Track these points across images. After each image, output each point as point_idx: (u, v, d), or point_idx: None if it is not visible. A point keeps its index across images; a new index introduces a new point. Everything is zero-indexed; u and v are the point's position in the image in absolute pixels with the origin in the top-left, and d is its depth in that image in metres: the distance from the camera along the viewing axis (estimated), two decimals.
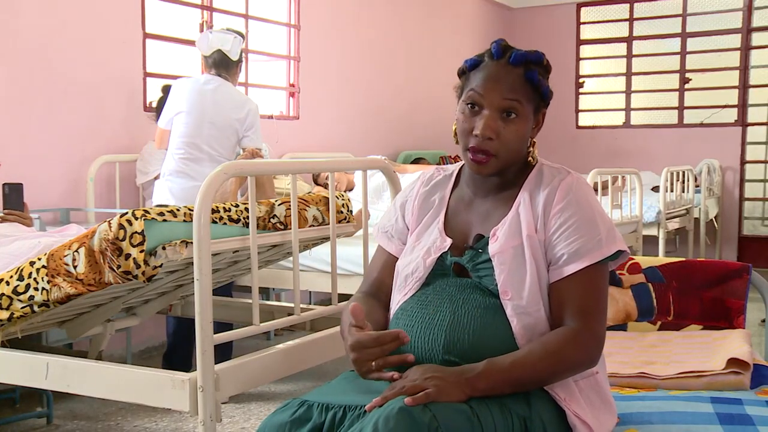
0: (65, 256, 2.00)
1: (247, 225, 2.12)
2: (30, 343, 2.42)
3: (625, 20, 8.06)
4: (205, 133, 3.56)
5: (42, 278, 2.03)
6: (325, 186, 4.80)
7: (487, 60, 1.54)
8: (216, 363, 1.90)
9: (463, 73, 1.59)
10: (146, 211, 1.93)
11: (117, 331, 2.65)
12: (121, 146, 4.23)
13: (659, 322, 2.26)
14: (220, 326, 2.85)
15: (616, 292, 2.28)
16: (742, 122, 7.53)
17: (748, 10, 7.48)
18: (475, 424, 1.30)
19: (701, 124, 7.69)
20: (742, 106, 7.53)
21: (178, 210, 1.99)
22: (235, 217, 2.13)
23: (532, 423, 1.38)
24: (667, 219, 5.63)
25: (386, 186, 3.04)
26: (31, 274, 2.06)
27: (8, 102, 3.73)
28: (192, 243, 1.89)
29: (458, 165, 1.68)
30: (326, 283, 2.68)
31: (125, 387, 2.00)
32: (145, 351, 4.34)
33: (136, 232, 1.90)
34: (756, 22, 7.51)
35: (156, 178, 3.85)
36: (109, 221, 1.94)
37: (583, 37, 8.29)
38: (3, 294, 2.09)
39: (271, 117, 5.24)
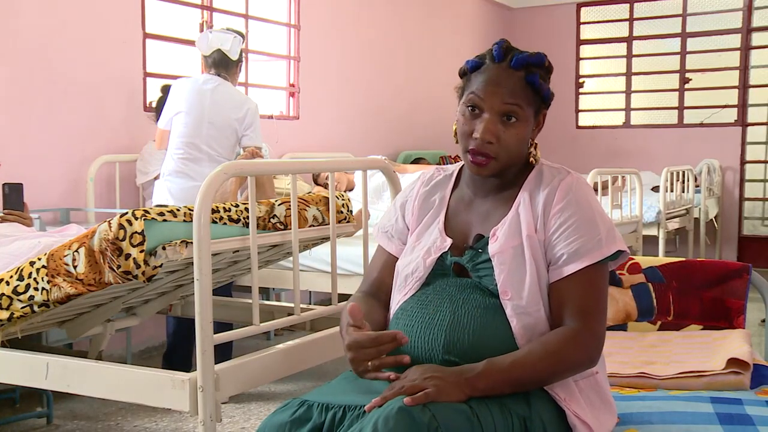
0: (65, 256, 2.00)
1: (247, 225, 2.12)
2: (30, 343, 2.42)
3: (625, 20, 8.06)
4: (204, 133, 3.56)
5: (42, 278, 2.04)
6: (325, 186, 4.80)
7: (488, 62, 1.54)
8: (216, 363, 1.91)
9: (464, 74, 1.58)
10: (146, 211, 1.93)
11: (117, 331, 2.65)
12: (121, 146, 4.23)
13: (659, 322, 2.26)
14: (220, 326, 2.85)
15: (616, 292, 2.28)
16: (742, 122, 7.53)
17: (748, 10, 7.48)
18: (475, 424, 1.30)
19: (701, 124, 7.69)
20: (742, 106, 7.53)
21: (178, 210, 1.99)
22: (235, 217, 2.13)
23: (532, 423, 1.38)
24: (667, 219, 5.63)
25: (386, 186, 3.04)
26: (31, 274, 2.06)
27: (8, 102, 3.73)
28: (192, 243, 1.89)
29: (458, 165, 1.68)
30: (326, 283, 2.68)
31: (125, 387, 2.00)
32: (145, 351, 4.34)
33: (136, 232, 1.90)
34: (756, 22, 7.52)
35: (156, 178, 3.85)
36: (109, 221, 1.94)
37: (583, 37, 8.29)
38: (3, 294, 2.09)
39: (271, 117, 5.24)
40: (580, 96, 8.30)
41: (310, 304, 4.27)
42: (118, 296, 2.33)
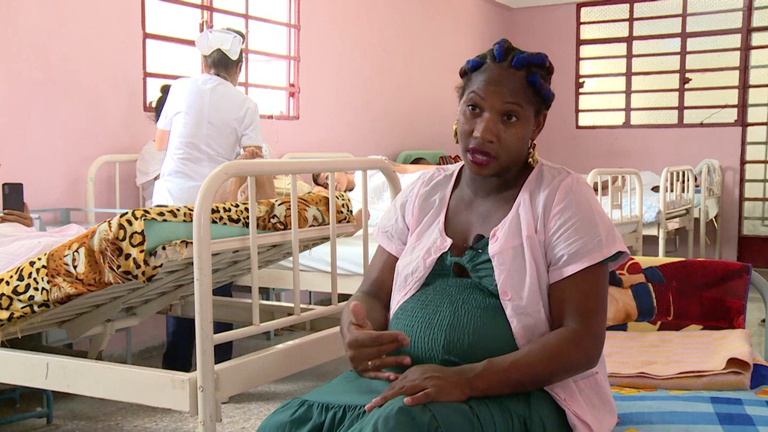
0: (65, 256, 2.00)
1: (247, 225, 2.12)
2: (30, 343, 2.42)
3: (625, 20, 8.06)
4: (204, 133, 3.56)
5: (42, 278, 2.04)
6: (325, 186, 4.80)
7: (489, 62, 1.54)
8: (216, 363, 1.91)
9: (465, 74, 1.59)
10: (146, 211, 1.93)
11: (117, 331, 2.65)
12: (121, 146, 4.23)
13: (659, 322, 2.26)
14: (220, 326, 2.85)
15: (616, 292, 2.28)
16: (742, 122, 7.53)
17: (748, 10, 7.48)
18: (475, 424, 1.30)
19: (701, 124, 7.69)
20: (742, 106, 7.53)
21: (178, 210, 1.99)
22: (235, 217, 2.13)
23: (532, 423, 1.38)
24: (667, 219, 5.63)
25: (386, 186, 3.05)
26: (31, 274, 2.06)
27: (8, 102, 3.73)
28: (192, 243, 1.89)
29: (458, 165, 1.68)
30: (326, 283, 2.68)
31: (125, 387, 2.00)
32: (145, 351, 4.34)
33: (136, 232, 1.90)
34: (756, 22, 7.51)
35: (156, 178, 3.85)
36: (109, 221, 1.94)
37: (583, 37, 8.29)
38: (3, 294, 2.09)
39: (271, 117, 5.24)
40: (580, 96, 8.30)
41: (310, 304, 4.27)
42: (118, 296, 2.33)
